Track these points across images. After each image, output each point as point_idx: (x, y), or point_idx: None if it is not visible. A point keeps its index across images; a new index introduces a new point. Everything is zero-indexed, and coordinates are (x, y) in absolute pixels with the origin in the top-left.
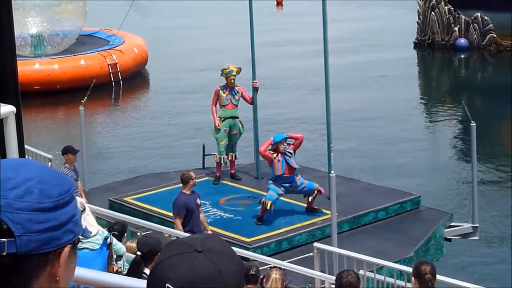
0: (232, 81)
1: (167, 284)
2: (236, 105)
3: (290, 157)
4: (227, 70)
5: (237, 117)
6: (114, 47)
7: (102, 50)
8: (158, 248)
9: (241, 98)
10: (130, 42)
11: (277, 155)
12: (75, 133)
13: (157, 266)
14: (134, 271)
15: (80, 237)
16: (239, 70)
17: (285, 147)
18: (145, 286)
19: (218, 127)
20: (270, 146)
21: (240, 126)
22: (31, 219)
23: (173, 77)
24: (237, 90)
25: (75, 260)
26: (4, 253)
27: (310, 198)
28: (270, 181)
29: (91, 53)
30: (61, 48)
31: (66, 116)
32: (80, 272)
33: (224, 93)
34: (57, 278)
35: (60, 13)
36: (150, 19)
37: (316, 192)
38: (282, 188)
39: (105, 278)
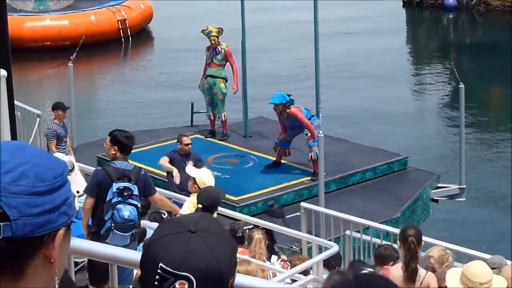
0: (213, 41)
1: (160, 264)
2: (219, 65)
3: (287, 119)
4: (206, 31)
5: (219, 77)
6: (121, 3)
7: (110, 6)
8: (219, 199)
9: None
10: None
11: (277, 113)
12: (76, 89)
13: (150, 245)
14: None
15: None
16: (219, 30)
17: (278, 110)
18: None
19: (199, 87)
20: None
21: (222, 86)
22: (27, 203)
23: (176, 34)
24: (220, 50)
25: (69, 242)
26: (0, 237)
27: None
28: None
29: (99, 8)
30: (65, 4)
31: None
32: (78, 243)
33: (208, 51)
34: (52, 260)
35: None
36: None
37: (310, 155)
38: (291, 132)
39: (103, 249)
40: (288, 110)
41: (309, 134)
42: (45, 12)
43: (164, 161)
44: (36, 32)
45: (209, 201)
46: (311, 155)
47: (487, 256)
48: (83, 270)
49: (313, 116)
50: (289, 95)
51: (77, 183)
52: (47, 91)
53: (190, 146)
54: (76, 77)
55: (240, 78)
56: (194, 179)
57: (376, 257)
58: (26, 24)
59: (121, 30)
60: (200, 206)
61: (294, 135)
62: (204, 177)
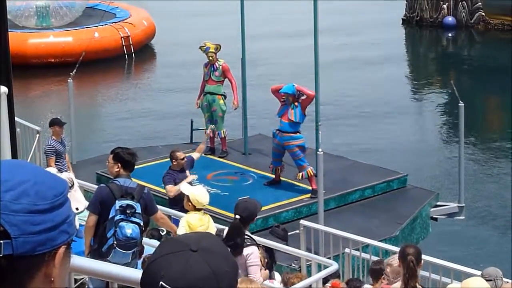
0: (211, 58)
1: (161, 282)
2: (217, 82)
3: (292, 108)
4: (204, 47)
5: (218, 94)
6: (124, 20)
7: (113, 23)
8: (256, 212)
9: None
10: (137, 15)
11: (283, 101)
12: (77, 105)
13: (152, 263)
14: (236, 233)
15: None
16: (217, 47)
17: (287, 101)
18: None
19: (196, 105)
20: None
21: (222, 103)
22: (27, 221)
23: (176, 51)
24: (217, 66)
25: (69, 260)
26: (0, 255)
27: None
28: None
29: (103, 25)
30: (68, 20)
31: (74, 90)
32: (78, 260)
33: (205, 68)
34: (52, 279)
35: None
36: None
37: (300, 174)
38: (274, 144)
39: (103, 267)
40: (300, 101)
41: (295, 148)
42: (47, 29)
43: (172, 188)
44: (40, 48)
45: (246, 213)
46: (302, 174)
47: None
48: (83, 286)
49: (299, 133)
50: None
51: (77, 199)
52: (48, 107)
53: (185, 159)
54: (79, 94)
55: (240, 95)
56: (188, 196)
57: (369, 273)
58: (30, 40)
59: (124, 47)
60: (238, 217)
61: (278, 147)
62: (198, 194)
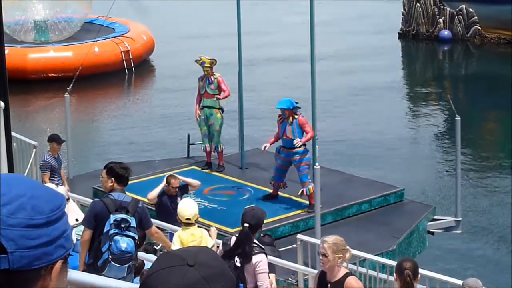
0: (206, 72)
1: None
2: (213, 95)
3: (289, 125)
4: (200, 61)
5: (215, 107)
6: (123, 34)
7: (113, 37)
8: (263, 219)
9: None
10: (136, 29)
11: (280, 119)
12: (75, 119)
13: (149, 277)
14: (245, 241)
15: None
16: (212, 61)
17: (284, 116)
18: None
19: (196, 117)
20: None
21: (219, 116)
22: (24, 235)
23: (174, 67)
24: (212, 79)
25: (66, 275)
26: None
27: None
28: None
29: (103, 40)
30: (67, 35)
31: (74, 104)
32: (75, 274)
33: (201, 82)
34: None
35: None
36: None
37: (302, 190)
38: (279, 160)
39: (100, 281)
40: (296, 117)
41: (301, 162)
42: (47, 44)
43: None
44: (40, 63)
45: (254, 220)
46: (303, 191)
47: None
48: None
49: (305, 146)
50: (296, 102)
51: (75, 211)
52: (46, 122)
53: (177, 190)
54: (78, 108)
55: (236, 109)
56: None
57: None
58: (29, 55)
59: (124, 61)
60: (246, 225)
61: (284, 163)
62: (180, 207)
